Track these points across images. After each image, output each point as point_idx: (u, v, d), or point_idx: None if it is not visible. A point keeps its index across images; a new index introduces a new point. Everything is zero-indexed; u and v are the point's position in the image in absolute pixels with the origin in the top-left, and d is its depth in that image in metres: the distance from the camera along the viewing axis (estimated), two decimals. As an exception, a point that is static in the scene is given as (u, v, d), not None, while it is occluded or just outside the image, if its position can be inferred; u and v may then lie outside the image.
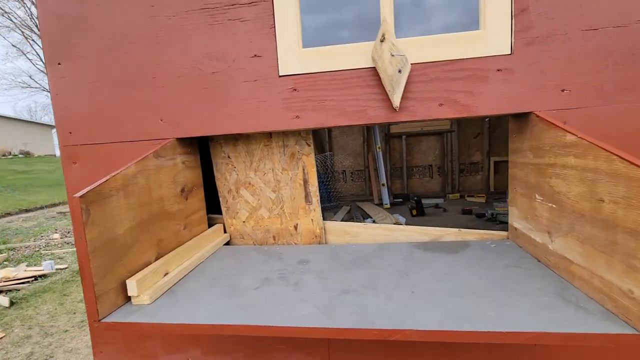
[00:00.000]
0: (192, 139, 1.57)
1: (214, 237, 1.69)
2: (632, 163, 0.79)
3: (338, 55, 1.32)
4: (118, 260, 1.08)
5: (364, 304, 1.01)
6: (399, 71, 1.22)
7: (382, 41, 1.23)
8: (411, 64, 1.27)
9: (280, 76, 1.36)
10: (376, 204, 4.97)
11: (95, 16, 1.42)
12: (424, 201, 4.57)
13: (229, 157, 1.71)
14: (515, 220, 1.43)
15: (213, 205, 1.83)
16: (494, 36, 1.23)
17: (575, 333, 0.81)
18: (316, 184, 1.66)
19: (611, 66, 1.19)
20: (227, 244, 1.77)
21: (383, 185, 5.19)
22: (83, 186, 1.50)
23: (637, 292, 0.79)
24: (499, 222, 3.65)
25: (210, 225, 1.77)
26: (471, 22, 1.28)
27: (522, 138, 1.31)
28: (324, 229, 1.71)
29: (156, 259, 1.27)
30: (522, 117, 1.30)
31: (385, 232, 1.67)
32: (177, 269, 1.30)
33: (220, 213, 1.82)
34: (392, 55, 1.22)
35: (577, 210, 1.00)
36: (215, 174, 1.75)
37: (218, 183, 1.76)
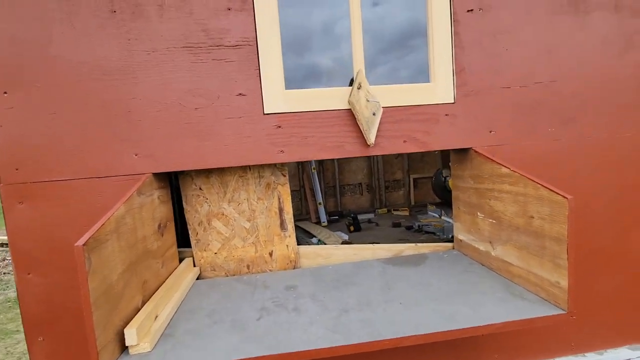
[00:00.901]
0: (165, 174, 1.53)
1: (187, 272, 1.64)
2: (553, 191, 1.11)
3: (318, 97, 1.48)
4: (114, 309, 1.02)
5: (367, 319, 1.15)
6: (374, 114, 1.44)
7: (359, 88, 1.44)
8: (382, 107, 1.50)
9: (265, 114, 1.45)
10: (314, 223, 5.17)
11: (58, 44, 1.31)
12: (358, 216, 4.95)
13: (200, 188, 1.69)
14: (460, 233, 1.75)
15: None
16: (441, 88, 1.55)
17: (527, 319, 1.09)
18: (291, 211, 1.76)
19: (520, 115, 1.61)
20: (197, 278, 1.72)
21: (320, 204, 5.44)
22: (31, 229, 1.34)
23: (562, 283, 1.11)
24: (424, 232, 4.20)
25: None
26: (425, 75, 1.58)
27: (463, 167, 1.65)
28: (298, 254, 1.80)
29: (143, 303, 1.21)
30: (462, 151, 1.64)
31: (354, 251, 1.84)
32: (166, 311, 1.25)
33: (185, 246, 1.77)
34: (368, 101, 1.43)
35: (513, 224, 1.32)
36: (185, 206, 1.71)
37: (187, 215, 1.71)
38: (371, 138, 1.46)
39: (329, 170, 5.88)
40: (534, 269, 1.23)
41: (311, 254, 1.83)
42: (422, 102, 1.54)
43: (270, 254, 1.77)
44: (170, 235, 1.58)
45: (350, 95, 1.46)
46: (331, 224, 5.07)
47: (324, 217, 5.20)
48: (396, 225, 4.59)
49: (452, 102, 1.56)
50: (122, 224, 1.12)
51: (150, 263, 1.30)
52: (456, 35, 1.54)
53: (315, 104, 1.48)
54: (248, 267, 1.77)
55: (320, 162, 5.42)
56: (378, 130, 1.50)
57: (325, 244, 3.66)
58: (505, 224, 1.37)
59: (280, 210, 1.75)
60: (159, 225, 1.44)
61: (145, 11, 1.35)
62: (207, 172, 1.66)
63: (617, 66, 1.70)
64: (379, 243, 3.44)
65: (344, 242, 3.21)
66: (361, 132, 1.49)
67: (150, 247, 1.32)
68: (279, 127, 1.47)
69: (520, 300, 1.21)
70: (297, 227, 4.63)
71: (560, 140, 1.66)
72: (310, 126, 1.48)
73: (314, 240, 3.93)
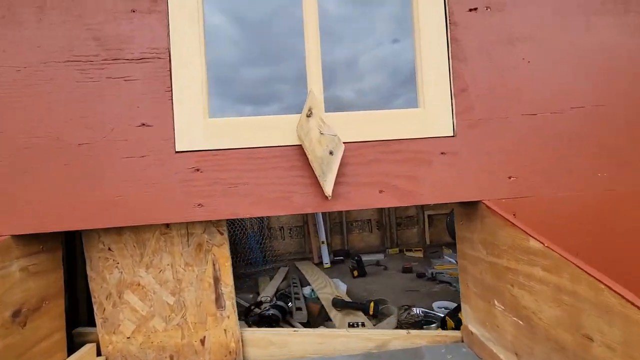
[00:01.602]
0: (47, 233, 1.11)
1: (79, 368, 1.16)
2: (630, 302, 0.59)
3: (255, 128, 1.05)
4: None
5: None
6: (330, 153, 0.98)
7: (308, 116, 0.99)
8: (346, 142, 1.04)
9: (177, 152, 1.03)
10: (316, 263, 4.63)
11: None
12: (365, 258, 4.39)
13: (109, 249, 1.26)
14: (470, 322, 1.20)
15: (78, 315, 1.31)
16: (434, 116, 1.08)
17: None
18: (231, 282, 1.28)
19: (552, 154, 1.10)
20: (103, 372, 1.25)
21: (323, 242, 4.90)
22: None
23: None
24: (439, 281, 3.57)
25: (77, 346, 1.25)
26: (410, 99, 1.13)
27: (472, 228, 1.14)
28: (242, 341, 1.30)
29: None
30: (469, 205, 1.14)
31: (319, 339, 1.32)
32: None
33: (93, 325, 1.31)
34: (322, 134, 0.98)
35: (554, 338, 0.79)
36: (89, 272, 1.27)
37: (92, 285, 1.27)
38: (328, 188, 0.99)
39: (334, 205, 5.37)
40: None
41: (261, 341, 1.33)
42: (407, 135, 1.07)
43: (202, 342, 1.28)
44: (48, 320, 1.12)
45: (297, 125, 1.01)
46: (335, 266, 4.53)
47: (326, 258, 4.68)
48: (407, 270, 4.02)
49: (452, 135, 1.08)
50: None
51: (-26, 380, 0.85)
52: (454, 42, 1.09)
53: (250, 138, 1.05)
54: (172, 358, 1.28)
55: (324, 197, 4.94)
56: (342, 175, 1.04)
57: (317, 297, 3.12)
58: (540, 334, 0.84)
59: (216, 280, 1.28)
60: (16, 312, 0.99)
61: (18, 14, 1.00)
62: (118, 228, 1.23)
63: (692, 85, 1.19)
64: (382, 300, 2.85)
65: (336, 300, 2.66)
66: (317, 177, 1.03)
67: (-17, 352, 0.87)
68: (198, 170, 1.03)
69: None
70: (295, 269, 4.12)
71: (616, 190, 1.13)
72: (242, 169, 1.04)
73: (307, 290, 3.40)
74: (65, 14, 1.01)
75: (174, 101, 1.02)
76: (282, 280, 3.66)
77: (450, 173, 1.07)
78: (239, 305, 3.11)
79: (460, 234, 1.23)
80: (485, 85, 1.09)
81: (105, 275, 1.27)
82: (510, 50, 1.10)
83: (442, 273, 3.55)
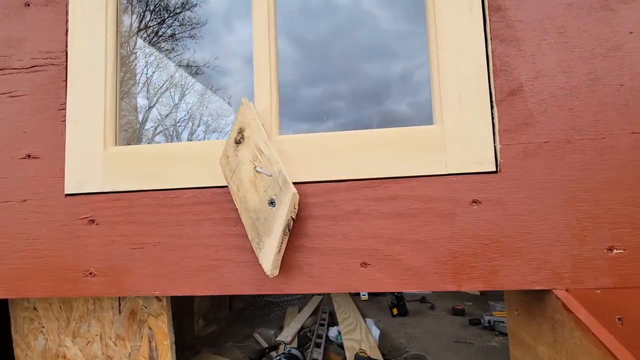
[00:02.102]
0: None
1: None
2: None
3: (174, 161, 0.70)
4: None
5: None
6: (271, 202, 0.58)
7: (238, 142, 0.62)
8: (308, 182, 0.64)
9: (67, 195, 0.72)
10: (353, 294, 4.20)
11: None
12: (403, 296, 3.84)
13: (35, 309, 1.00)
14: None
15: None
16: (460, 137, 0.63)
17: None
18: (172, 367, 0.94)
19: (703, 204, 0.58)
20: None
21: (360, 270, 4.43)
22: None
23: None
24: (497, 332, 2.90)
25: None
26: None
27: (534, 330, 0.64)
28: None
29: None
30: (529, 294, 0.65)
31: None
32: None
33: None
34: (258, 172, 0.59)
35: None
36: (14, 335, 1.02)
37: (17, 351, 1.02)
38: (266, 261, 0.59)
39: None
40: None
41: None
42: (412, 170, 0.64)
43: None
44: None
45: (221, 157, 0.64)
46: (374, 298, 4.02)
47: (364, 290, 4.20)
48: (458, 312, 3.39)
49: (493, 170, 0.62)
50: None
51: None
52: (496, 12, 0.64)
53: (166, 175, 0.70)
54: None
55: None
56: (301, 236, 0.64)
57: (341, 345, 2.68)
58: None
59: (152, 363, 0.94)
60: None
61: None
62: (42, 282, 0.97)
63: None
64: (420, 357, 2.35)
65: (359, 357, 2.17)
66: (261, 238, 0.64)
67: None
68: (92, 221, 0.71)
69: None
70: (329, 301, 3.72)
71: None
72: (153, 222, 0.69)
73: (334, 331, 2.97)
74: (-47, 15, 0.79)
75: (67, 123, 0.73)
76: (311, 315, 3.28)
77: (490, 237, 0.60)
78: (256, 343, 2.79)
79: (513, 328, 0.74)
80: (557, 84, 0.61)
81: (30, 340, 1.01)
82: (604, 20, 0.61)
83: (503, 322, 2.84)
